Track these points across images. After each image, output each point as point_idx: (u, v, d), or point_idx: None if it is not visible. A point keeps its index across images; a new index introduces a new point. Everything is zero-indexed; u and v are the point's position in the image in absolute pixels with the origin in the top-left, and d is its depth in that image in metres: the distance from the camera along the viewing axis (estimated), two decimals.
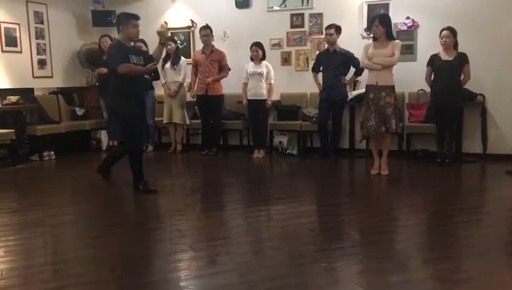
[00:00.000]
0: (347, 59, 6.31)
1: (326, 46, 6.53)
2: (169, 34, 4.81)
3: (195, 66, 7.02)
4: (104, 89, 7.37)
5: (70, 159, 6.92)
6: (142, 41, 7.34)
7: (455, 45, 5.73)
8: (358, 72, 6.26)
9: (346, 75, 6.40)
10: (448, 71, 5.67)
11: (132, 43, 4.94)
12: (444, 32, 5.70)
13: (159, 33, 4.94)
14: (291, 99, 7.05)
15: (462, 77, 5.77)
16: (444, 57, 5.73)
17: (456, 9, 6.19)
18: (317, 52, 6.76)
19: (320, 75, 6.50)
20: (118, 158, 5.19)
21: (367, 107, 5.37)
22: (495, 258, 3.03)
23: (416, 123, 6.27)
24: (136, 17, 4.75)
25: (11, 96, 6.44)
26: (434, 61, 5.82)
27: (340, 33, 6.29)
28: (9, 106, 6.36)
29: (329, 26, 6.31)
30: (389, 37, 5.31)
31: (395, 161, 5.94)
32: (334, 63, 6.31)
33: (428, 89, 6.12)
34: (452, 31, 5.67)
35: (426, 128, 6.12)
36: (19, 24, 6.96)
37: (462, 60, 5.68)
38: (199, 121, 7.18)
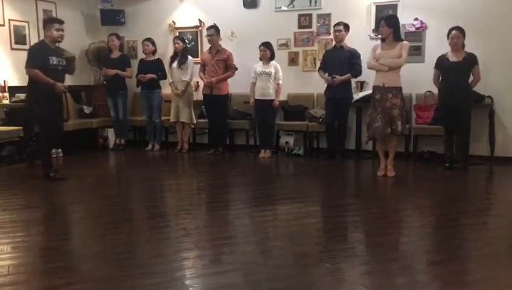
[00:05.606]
0: (352, 56, 6.28)
1: (333, 45, 6.53)
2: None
3: (203, 65, 7.04)
4: (112, 87, 7.44)
5: (77, 157, 6.97)
6: (150, 40, 7.40)
7: (463, 46, 5.59)
8: (355, 72, 6.24)
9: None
10: (457, 73, 5.53)
11: (56, 45, 5.30)
12: (454, 32, 5.52)
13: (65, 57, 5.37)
14: (298, 99, 7.04)
15: (471, 78, 5.63)
16: (452, 58, 5.58)
17: (464, 10, 6.16)
18: (324, 51, 6.75)
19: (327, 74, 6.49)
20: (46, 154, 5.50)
21: (373, 108, 5.36)
22: (501, 262, 3.01)
23: (423, 125, 6.25)
24: (60, 22, 5.26)
25: (19, 94, 6.47)
26: (442, 62, 5.68)
27: (348, 30, 6.29)
28: (17, 103, 6.40)
29: (337, 24, 6.32)
30: (397, 38, 5.29)
31: (401, 163, 5.93)
32: (340, 59, 6.28)
33: (436, 91, 6.09)
34: (462, 31, 5.51)
35: (433, 130, 6.09)
36: (28, 22, 7.01)
37: (471, 61, 5.53)
38: (206, 120, 7.20)
